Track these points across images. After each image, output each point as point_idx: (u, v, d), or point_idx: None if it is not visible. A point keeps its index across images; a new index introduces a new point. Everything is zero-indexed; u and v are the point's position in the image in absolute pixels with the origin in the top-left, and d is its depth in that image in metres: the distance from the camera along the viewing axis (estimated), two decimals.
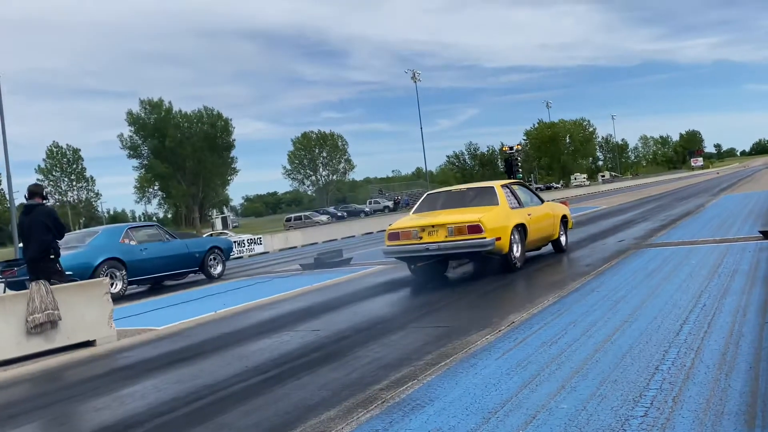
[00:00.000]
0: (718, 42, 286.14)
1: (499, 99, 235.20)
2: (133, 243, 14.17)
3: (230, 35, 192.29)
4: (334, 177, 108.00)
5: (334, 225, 46.86)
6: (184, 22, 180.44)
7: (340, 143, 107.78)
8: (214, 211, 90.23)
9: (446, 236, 9.76)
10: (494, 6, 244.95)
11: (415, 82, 78.92)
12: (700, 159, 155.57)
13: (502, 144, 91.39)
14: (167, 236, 15.18)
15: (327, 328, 7.41)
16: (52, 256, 8.79)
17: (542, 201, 12.18)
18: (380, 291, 10.17)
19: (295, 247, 31.39)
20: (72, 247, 13.45)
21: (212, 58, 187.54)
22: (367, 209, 75.67)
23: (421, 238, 9.95)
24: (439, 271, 11.04)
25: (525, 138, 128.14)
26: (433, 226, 9.92)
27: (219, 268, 16.06)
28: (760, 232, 10.72)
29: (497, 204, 10.47)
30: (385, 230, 11.14)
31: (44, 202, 9.03)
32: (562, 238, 12.38)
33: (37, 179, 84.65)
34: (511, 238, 10.03)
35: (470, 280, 10.24)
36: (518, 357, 5.03)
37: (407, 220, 10.74)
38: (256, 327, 8.19)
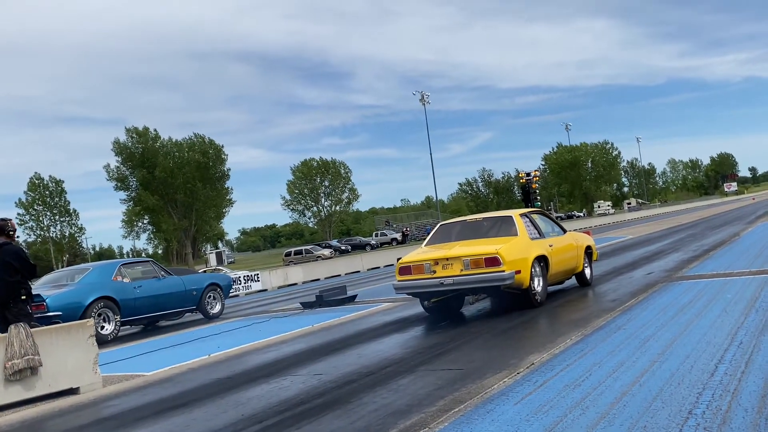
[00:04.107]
0: (748, 58, 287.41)
1: (515, 121, 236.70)
2: (126, 280, 14.16)
3: (224, 57, 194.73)
4: (337, 207, 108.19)
5: (337, 259, 46.87)
6: (174, 43, 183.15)
7: (343, 171, 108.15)
8: (208, 245, 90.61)
9: (462, 270, 9.71)
10: (507, 23, 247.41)
11: (424, 104, 79.59)
12: (734, 184, 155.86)
13: (518, 170, 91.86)
14: (162, 273, 15.18)
15: (330, 372, 7.39)
16: (23, 297, 8.81)
17: (564, 231, 12.17)
18: (388, 331, 10.15)
19: (295, 284, 31.38)
20: (61, 285, 13.50)
21: (205, 82, 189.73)
22: (373, 242, 75.84)
23: (434, 272, 9.89)
24: (454, 308, 11.04)
25: (543, 163, 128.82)
26: (447, 259, 9.86)
27: (217, 307, 16.10)
28: None
29: (516, 235, 10.43)
30: (393, 264, 11.18)
31: (10, 240, 9.03)
32: (587, 271, 12.38)
33: (18, 213, 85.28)
34: (531, 272, 9.98)
35: (486, 317, 10.20)
36: (538, 401, 5.00)
37: (419, 252, 10.72)
38: (253, 371, 8.17)
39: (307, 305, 15.18)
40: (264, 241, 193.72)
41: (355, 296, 15.41)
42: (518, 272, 9.67)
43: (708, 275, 11.51)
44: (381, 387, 6.28)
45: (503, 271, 9.51)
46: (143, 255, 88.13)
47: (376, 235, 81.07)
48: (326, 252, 66.38)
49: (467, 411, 5.00)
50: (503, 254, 9.59)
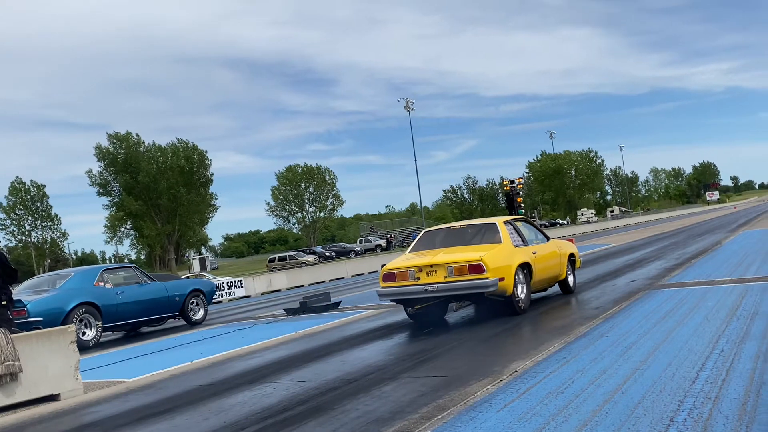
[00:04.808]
0: (730, 68, 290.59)
1: (499, 129, 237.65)
2: (108, 286, 14.08)
3: (209, 63, 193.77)
4: (322, 214, 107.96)
5: (321, 266, 46.78)
6: (160, 48, 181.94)
7: (328, 177, 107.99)
8: (192, 251, 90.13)
9: (446, 277, 9.77)
10: (492, 31, 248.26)
11: (409, 111, 79.79)
12: (716, 192, 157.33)
13: (502, 177, 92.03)
14: (145, 278, 15.11)
15: (313, 379, 7.37)
16: (4, 302, 8.73)
17: (548, 238, 12.26)
18: (372, 337, 10.14)
19: (279, 291, 31.27)
20: (42, 291, 13.44)
21: (190, 87, 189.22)
22: (357, 248, 75.68)
23: (418, 278, 9.94)
24: (437, 315, 11.01)
25: (527, 171, 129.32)
26: (431, 266, 9.91)
27: (200, 313, 16.08)
28: None
29: (500, 242, 10.47)
30: (377, 271, 11.21)
31: None
32: (570, 279, 12.43)
33: None
34: (515, 279, 10.04)
35: (469, 324, 10.22)
36: (521, 409, 5.01)
37: (403, 259, 10.77)
38: (236, 378, 8.13)
39: (290, 312, 15.14)
40: (248, 247, 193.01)
41: (339, 303, 15.38)
42: (502, 279, 9.73)
43: (690, 283, 11.60)
44: (364, 394, 6.27)
45: (487, 278, 9.56)
46: (126, 260, 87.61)
47: (361, 242, 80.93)
48: (310, 258, 66.19)
49: (450, 418, 5.01)
50: (487, 261, 9.63)
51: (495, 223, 11.07)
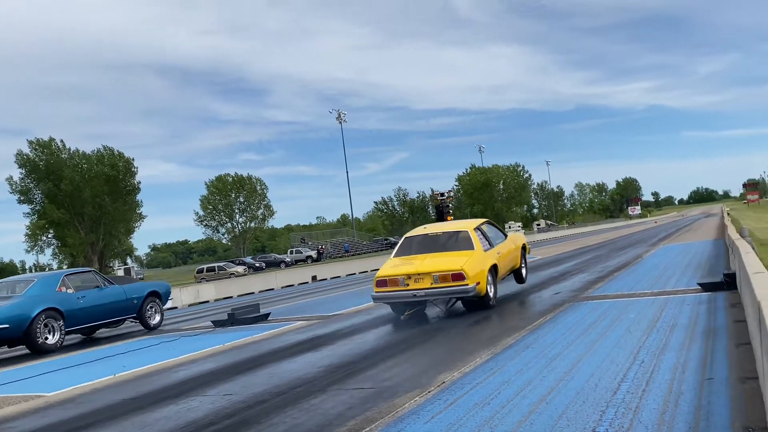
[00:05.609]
0: (651, 87, 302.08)
1: (430, 142, 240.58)
2: (70, 291, 14.38)
3: (136, 69, 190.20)
4: (252, 224, 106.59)
5: (251, 277, 46.18)
6: (84, 54, 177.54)
7: (258, 187, 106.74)
8: (116, 261, 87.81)
9: (432, 283, 11.15)
10: (423, 46, 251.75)
11: (341, 122, 79.99)
12: (638, 207, 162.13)
13: (432, 190, 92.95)
14: (104, 282, 15.50)
15: (240, 392, 7.26)
16: None
17: (506, 235, 13.96)
18: (301, 349, 10.06)
19: (207, 302, 30.68)
20: (5, 297, 13.63)
21: (117, 94, 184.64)
22: (288, 259, 75.08)
23: (407, 285, 11.25)
24: (373, 324, 11.48)
25: (457, 184, 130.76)
26: (419, 274, 11.24)
27: (157, 318, 16.35)
28: (699, 284, 11.17)
29: (473, 248, 11.85)
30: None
31: None
32: (523, 271, 14.19)
33: None
34: (487, 280, 11.55)
35: (398, 335, 10.26)
36: (448, 420, 5.04)
37: (391, 266, 11.87)
38: (161, 392, 7.94)
39: (218, 323, 14.89)
40: (175, 258, 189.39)
41: (268, 314, 15.21)
42: (478, 284, 11.20)
43: (612, 296, 11.90)
44: (292, 407, 6.21)
45: (467, 284, 11.04)
46: (47, 270, 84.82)
47: (292, 253, 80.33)
48: (240, 269, 65.29)
49: (378, 430, 5.00)
50: (467, 270, 11.07)
51: (467, 231, 12.31)
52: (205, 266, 73.00)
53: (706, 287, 10.83)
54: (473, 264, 11.31)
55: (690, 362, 6.08)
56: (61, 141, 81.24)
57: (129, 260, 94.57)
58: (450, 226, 13.68)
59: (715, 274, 12.01)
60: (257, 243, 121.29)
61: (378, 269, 12.07)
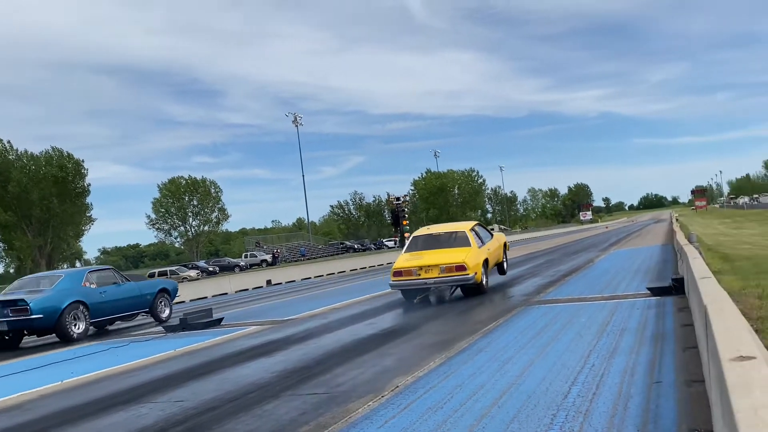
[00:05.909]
0: (604, 94, 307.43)
1: (386, 147, 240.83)
2: (93, 286, 15.75)
3: (87, 69, 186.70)
4: (206, 228, 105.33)
5: (204, 281, 45.65)
6: (31, 53, 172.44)
7: (213, 190, 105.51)
8: (65, 265, 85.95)
9: (439, 273, 13.62)
10: (380, 51, 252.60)
11: (297, 126, 79.62)
12: (589, 213, 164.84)
13: (388, 194, 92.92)
14: (122, 279, 16.97)
15: (192, 399, 7.17)
16: None
17: (492, 235, 16.44)
18: (254, 355, 9.98)
19: None
20: (35, 291, 14.87)
21: (66, 95, 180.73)
22: (242, 263, 74.37)
23: (419, 275, 13.77)
24: (328, 328, 11.68)
25: (413, 188, 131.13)
26: (429, 266, 13.70)
27: (167, 311, 17.56)
28: (648, 288, 11.38)
29: (470, 245, 14.24)
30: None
31: None
32: (505, 264, 17.10)
33: None
34: (482, 271, 14.04)
35: (352, 340, 10.23)
36: (402, 425, 5.04)
37: (405, 259, 14.33)
38: (110, 399, 7.79)
39: (169, 329, 14.70)
40: (126, 261, 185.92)
41: (221, 319, 15.06)
42: (476, 274, 13.68)
43: (564, 300, 12.06)
44: (244, 413, 6.15)
45: (468, 274, 13.56)
46: None
47: (246, 257, 79.58)
48: (192, 273, 64.41)
49: None
50: (468, 263, 13.58)
51: (464, 231, 14.84)
52: (156, 270, 71.79)
53: (654, 292, 11.04)
54: (472, 258, 13.79)
55: (639, 366, 6.18)
56: (8, 142, 79.40)
57: (78, 264, 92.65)
58: (449, 227, 16.16)
59: (663, 279, 12.24)
60: (211, 247, 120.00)
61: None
